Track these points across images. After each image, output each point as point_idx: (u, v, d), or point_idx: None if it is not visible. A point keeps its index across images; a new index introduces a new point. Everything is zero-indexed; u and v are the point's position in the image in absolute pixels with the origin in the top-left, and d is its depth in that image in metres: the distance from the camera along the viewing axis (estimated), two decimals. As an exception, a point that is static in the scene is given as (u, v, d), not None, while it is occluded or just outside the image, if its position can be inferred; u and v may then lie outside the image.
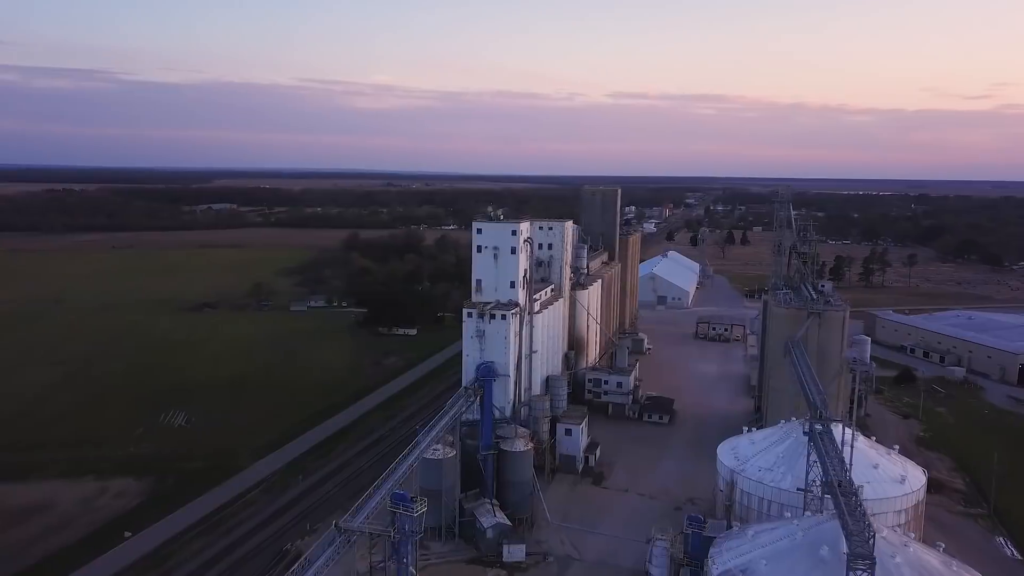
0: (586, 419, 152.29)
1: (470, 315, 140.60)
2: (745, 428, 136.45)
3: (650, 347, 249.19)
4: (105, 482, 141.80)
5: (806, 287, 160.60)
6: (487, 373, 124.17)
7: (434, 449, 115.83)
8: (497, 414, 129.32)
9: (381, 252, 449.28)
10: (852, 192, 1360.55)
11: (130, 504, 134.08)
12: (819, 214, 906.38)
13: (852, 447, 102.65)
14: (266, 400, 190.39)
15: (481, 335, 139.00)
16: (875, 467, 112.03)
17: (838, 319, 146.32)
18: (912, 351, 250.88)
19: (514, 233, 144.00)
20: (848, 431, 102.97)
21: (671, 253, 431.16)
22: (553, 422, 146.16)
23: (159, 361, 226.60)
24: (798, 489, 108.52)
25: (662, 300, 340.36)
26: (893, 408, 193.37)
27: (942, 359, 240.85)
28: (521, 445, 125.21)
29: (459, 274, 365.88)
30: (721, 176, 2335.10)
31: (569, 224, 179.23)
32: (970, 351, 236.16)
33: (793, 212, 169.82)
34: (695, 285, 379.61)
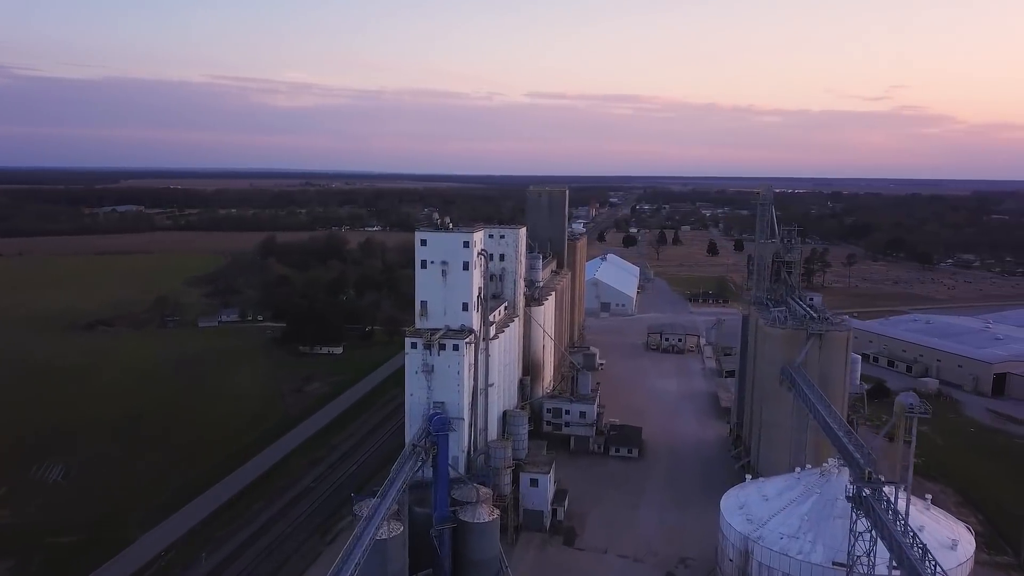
0: (553, 465, 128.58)
1: (414, 346, 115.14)
2: (747, 476, 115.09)
3: (602, 362, 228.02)
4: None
5: (796, 302, 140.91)
6: (441, 426, 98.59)
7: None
8: (452, 473, 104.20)
9: (300, 257, 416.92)
10: (755, 190, 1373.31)
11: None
12: (743, 212, 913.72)
13: (907, 516, 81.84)
14: (165, 443, 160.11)
15: (429, 370, 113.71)
16: (920, 530, 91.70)
17: (841, 340, 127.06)
18: (875, 360, 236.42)
19: (466, 244, 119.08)
20: (902, 495, 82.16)
21: (610, 256, 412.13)
22: (515, 471, 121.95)
23: (36, 395, 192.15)
24: (835, 564, 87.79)
25: (606, 307, 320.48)
26: (875, 429, 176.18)
27: (909, 368, 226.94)
28: (484, 513, 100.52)
29: (388, 281, 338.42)
30: (640, 175, 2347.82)
31: (522, 231, 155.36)
32: (939, 360, 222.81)
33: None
34: (637, 289, 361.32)
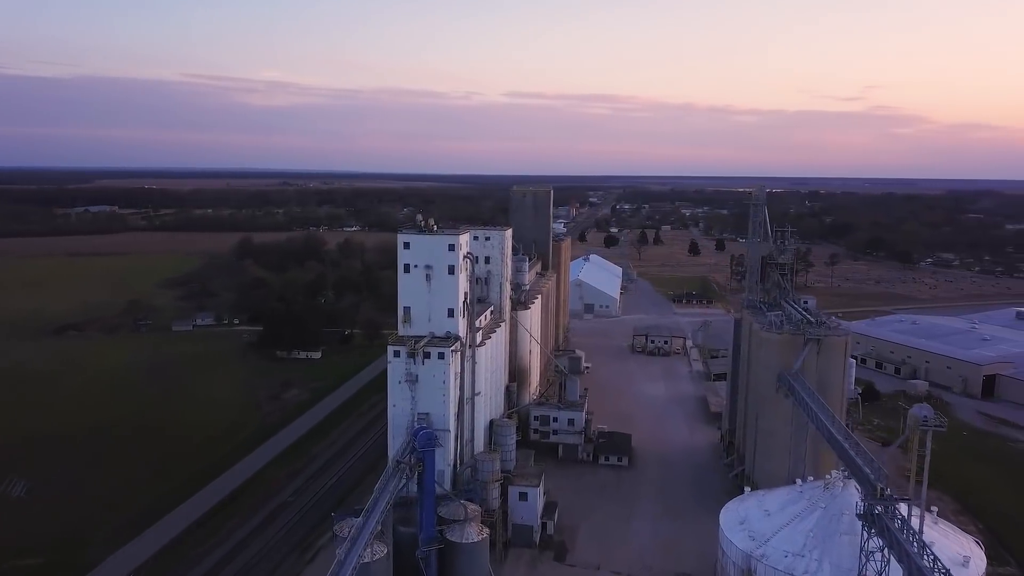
0: (543, 477, 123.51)
1: (397, 355, 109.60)
2: (746, 488, 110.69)
3: (588, 365, 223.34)
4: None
5: (790, 305, 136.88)
6: (427, 442, 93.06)
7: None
8: (437, 489, 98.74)
9: (278, 258, 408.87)
10: (745, 190, 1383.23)
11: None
12: (723, 212, 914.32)
13: (921, 534, 77.67)
14: (136, 455, 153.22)
15: (412, 380, 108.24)
16: (931, 546, 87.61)
17: (840, 346, 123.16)
18: (863, 361, 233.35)
19: (452, 248, 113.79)
20: (915, 511, 78.00)
21: (593, 256, 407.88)
22: (503, 484, 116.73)
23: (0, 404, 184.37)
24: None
25: (589, 308, 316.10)
26: (868, 434, 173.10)
27: (897, 370, 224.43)
28: (473, 533, 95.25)
29: (368, 283, 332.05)
30: (619, 175, 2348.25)
31: (508, 233, 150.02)
32: (927, 361, 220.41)
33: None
34: (620, 290, 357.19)
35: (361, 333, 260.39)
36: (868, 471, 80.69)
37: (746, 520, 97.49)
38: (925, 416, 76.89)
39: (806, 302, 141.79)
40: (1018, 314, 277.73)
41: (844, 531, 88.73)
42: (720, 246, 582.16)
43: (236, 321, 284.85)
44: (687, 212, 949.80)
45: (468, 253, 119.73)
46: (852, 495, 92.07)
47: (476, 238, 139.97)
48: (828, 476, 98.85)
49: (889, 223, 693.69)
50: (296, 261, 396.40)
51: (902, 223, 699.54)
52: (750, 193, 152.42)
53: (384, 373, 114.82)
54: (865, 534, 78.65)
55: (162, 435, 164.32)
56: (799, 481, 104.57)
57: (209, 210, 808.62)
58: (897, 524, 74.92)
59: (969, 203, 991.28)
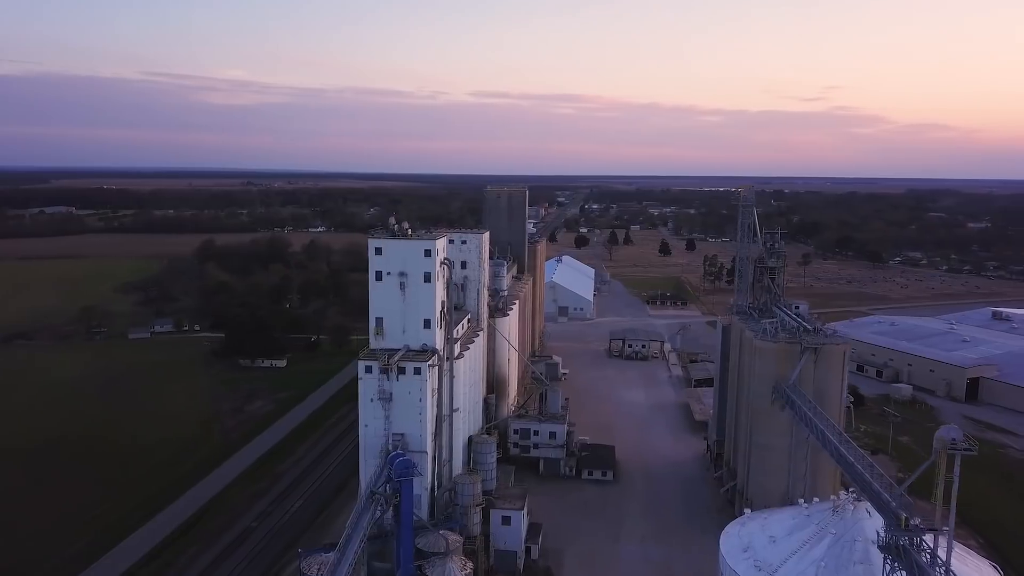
0: (526, 499, 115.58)
1: (369, 370, 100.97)
2: (747, 509, 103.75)
3: (565, 372, 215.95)
4: None
5: (783, 311, 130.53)
6: (404, 470, 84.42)
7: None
8: (415, 516, 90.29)
9: (241, 261, 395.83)
10: (712, 189, 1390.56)
11: None
12: (691, 212, 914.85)
13: (949, 566, 71.07)
14: (85, 476, 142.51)
15: (386, 398, 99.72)
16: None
17: (838, 355, 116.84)
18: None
19: (428, 253, 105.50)
20: (942, 542, 71.38)
21: (566, 258, 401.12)
22: (485, 507, 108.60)
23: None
24: (861, 620, 76.63)
25: (563, 311, 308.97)
26: (856, 442, 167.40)
27: (879, 373, 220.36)
28: (455, 568, 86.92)
29: (335, 287, 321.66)
30: (586, 175, 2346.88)
31: (486, 236, 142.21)
32: (909, 364, 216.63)
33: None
34: (593, 292, 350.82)
35: (328, 339, 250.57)
36: (889, 498, 74.01)
37: (750, 547, 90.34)
38: (954, 439, 70.43)
39: (797, 307, 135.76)
40: (994, 314, 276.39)
41: (858, 560, 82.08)
42: (691, 246, 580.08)
43: (197, 328, 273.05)
44: (655, 212, 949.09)
45: (445, 259, 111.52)
46: (864, 519, 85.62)
47: (451, 242, 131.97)
48: (835, 497, 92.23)
49: (856, 222, 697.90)
50: (260, 264, 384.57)
51: (868, 222, 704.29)
52: (739, 192, 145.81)
53: (354, 381, 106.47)
54: (887, 566, 72.12)
55: (115, 454, 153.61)
56: (802, 501, 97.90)
57: (171, 211, 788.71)
58: (926, 558, 68.35)
59: (930, 202, 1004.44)
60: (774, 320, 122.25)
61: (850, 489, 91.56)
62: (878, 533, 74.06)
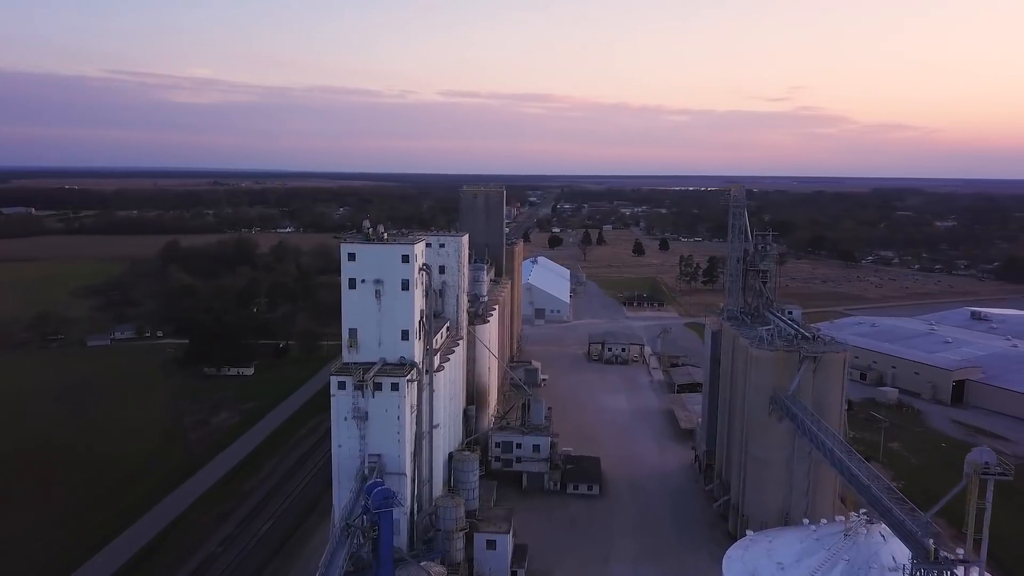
0: (512, 520, 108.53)
1: (342, 387, 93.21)
2: (749, 532, 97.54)
3: (545, 377, 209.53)
4: None
5: (776, 316, 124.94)
6: (383, 502, 76.68)
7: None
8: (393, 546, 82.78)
9: (207, 264, 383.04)
10: (682, 188, 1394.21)
11: None
12: (662, 211, 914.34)
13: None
14: (37, 496, 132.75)
15: (361, 417, 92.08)
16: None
17: (838, 363, 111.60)
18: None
19: (406, 259, 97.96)
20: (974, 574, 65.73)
21: (541, 259, 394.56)
22: (468, 531, 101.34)
23: None
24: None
25: (540, 314, 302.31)
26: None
27: (863, 376, 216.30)
28: (441, 605, 79.67)
29: (304, 290, 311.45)
30: (556, 174, 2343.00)
31: (465, 239, 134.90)
32: (894, 367, 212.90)
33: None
34: (570, 294, 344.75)
35: (297, 346, 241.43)
36: (914, 527, 68.15)
37: (755, 572, 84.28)
38: (987, 462, 64.89)
39: (790, 312, 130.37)
40: (972, 314, 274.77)
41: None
42: (664, 246, 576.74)
43: (159, 334, 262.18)
44: (627, 211, 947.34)
45: (423, 264, 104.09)
46: (879, 544, 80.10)
47: (429, 245, 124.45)
48: (844, 518, 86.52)
49: (827, 221, 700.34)
50: (227, 266, 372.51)
51: (839, 221, 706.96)
52: (730, 191, 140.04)
53: (325, 390, 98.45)
54: (913, 602, 66.27)
55: (71, 469, 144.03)
56: (807, 520, 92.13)
57: (134, 212, 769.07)
58: (958, 594, 62.61)
59: (897, 201, 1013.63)
60: (770, 327, 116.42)
61: (861, 510, 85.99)
62: (893, 558, 68.27)
